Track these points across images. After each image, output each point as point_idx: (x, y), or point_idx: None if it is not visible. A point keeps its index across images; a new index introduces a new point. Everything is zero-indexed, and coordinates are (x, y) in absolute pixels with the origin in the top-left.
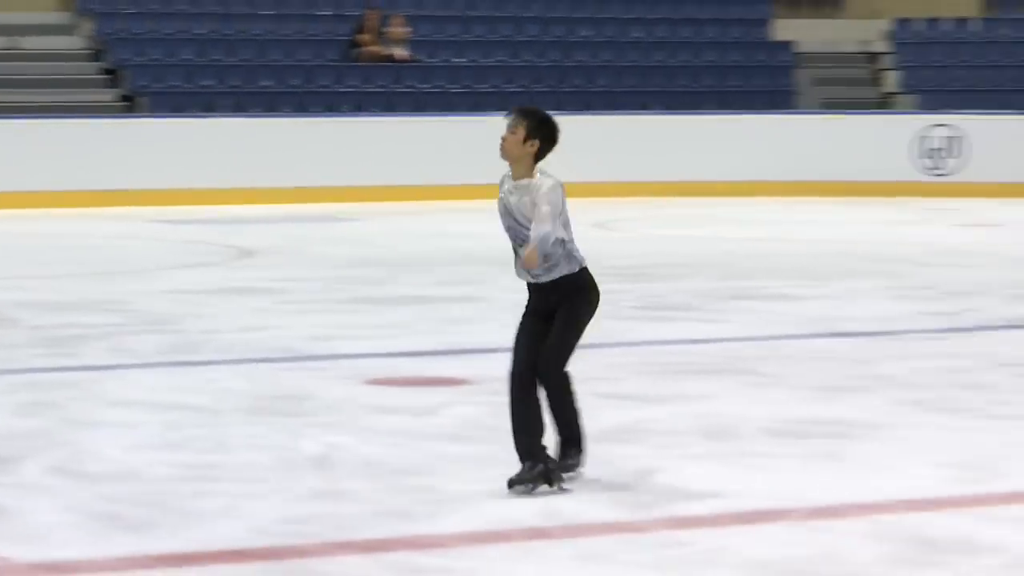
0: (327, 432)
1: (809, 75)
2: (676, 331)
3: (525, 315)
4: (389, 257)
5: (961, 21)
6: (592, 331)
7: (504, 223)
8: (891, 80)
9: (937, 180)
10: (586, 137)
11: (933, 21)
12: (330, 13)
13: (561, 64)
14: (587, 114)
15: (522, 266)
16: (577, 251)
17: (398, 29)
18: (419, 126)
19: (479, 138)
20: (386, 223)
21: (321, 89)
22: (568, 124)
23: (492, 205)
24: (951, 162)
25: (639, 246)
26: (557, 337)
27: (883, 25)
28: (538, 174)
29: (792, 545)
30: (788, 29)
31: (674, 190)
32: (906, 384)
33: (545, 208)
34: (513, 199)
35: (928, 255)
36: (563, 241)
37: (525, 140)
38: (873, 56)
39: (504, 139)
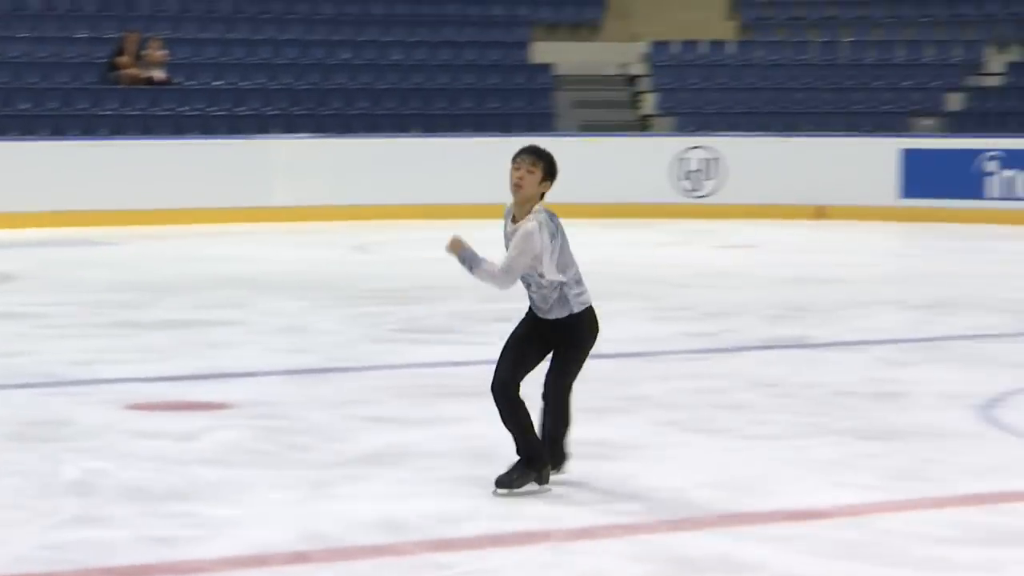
0: (88, 457)
1: (568, 98)
2: (436, 354)
3: (521, 324)
4: (149, 281)
5: (717, 44)
6: (352, 354)
7: None
8: (649, 102)
9: (695, 202)
10: (346, 160)
11: (690, 44)
12: (88, 36)
13: (320, 87)
14: (347, 137)
15: (448, 247)
16: (575, 294)
17: (156, 52)
18: (178, 149)
19: (238, 161)
20: (145, 247)
21: (79, 112)
22: (328, 147)
23: (252, 228)
24: (708, 184)
25: (399, 269)
26: (557, 375)
27: (640, 48)
28: (533, 213)
29: (554, 566)
30: (546, 52)
31: (434, 212)
32: (666, 404)
33: (512, 253)
34: (511, 238)
35: (687, 276)
36: (561, 284)
37: (542, 180)
38: (631, 79)
39: (522, 178)
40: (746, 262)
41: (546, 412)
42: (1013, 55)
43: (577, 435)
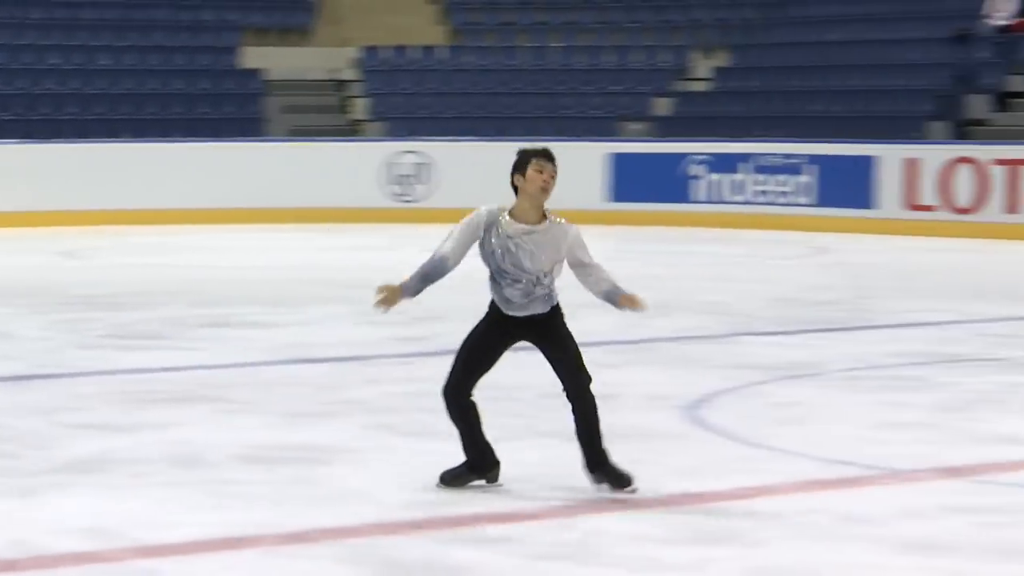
0: None
1: (278, 103)
2: (146, 359)
3: (481, 326)
4: None
5: (428, 49)
6: (59, 361)
7: (496, 263)
8: (359, 107)
9: (406, 206)
10: (56, 165)
11: (400, 49)
12: None
13: (30, 92)
14: (56, 142)
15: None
16: (555, 292)
17: None
18: None
19: None
20: None
21: None
22: (37, 153)
23: None
24: (419, 188)
25: (109, 274)
26: (571, 367)
27: (351, 53)
28: (549, 216)
29: (266, 571)
30: (257, 57)
31: (145, 218)
32: (376, 409)
33: (596, 260)
34: (526, 241)
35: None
36: (553, 282)
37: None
38: (341, 84)
39: (547, 182)
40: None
41: (589, 419)
42: (719, 60)
43: (287, 440)
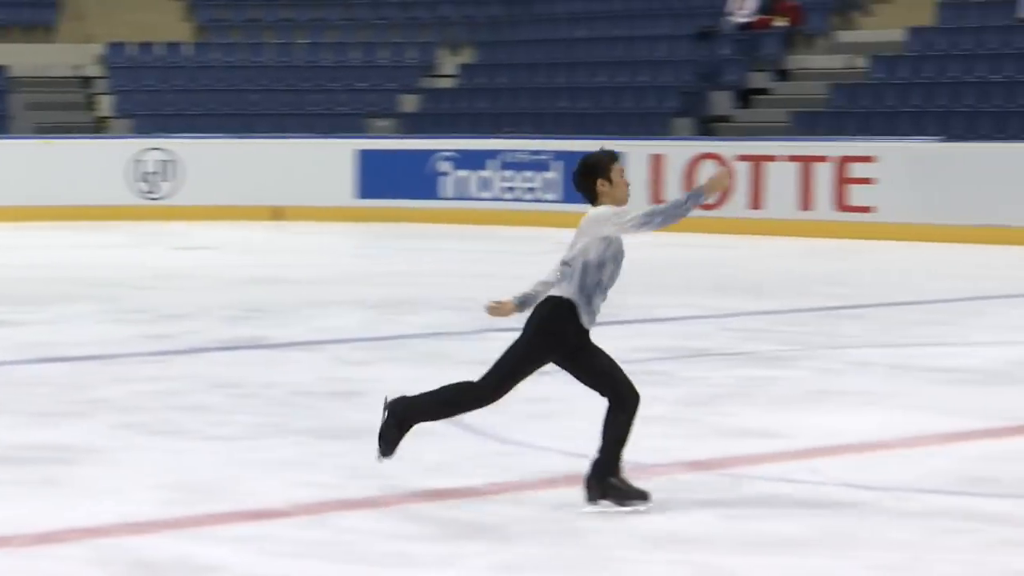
0: None
1: (23, 99)
2: None
3: (541, 343)
4: None
5: (174, 46)
6: None
7: (612, 269)
8: (105, 104)
9: (152, 203)
10: None
11: (146, 46)
12: None
13: None
14: None
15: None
16: None
17: None
18: None
19: None
20: None
21: None
22: None
23: None
24: (165, 185)
25: None
26: (616, 369)
27: (96, 49)
28: None
29: (14, 572)
30: (0, 54)
31: None
32: (123, 408)
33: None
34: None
35: (144, 278)
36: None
37: None
38: (87, 80)
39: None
40: (204, 264)
41: (626, 416)
42: (465, 57)
43: (33, 440)
